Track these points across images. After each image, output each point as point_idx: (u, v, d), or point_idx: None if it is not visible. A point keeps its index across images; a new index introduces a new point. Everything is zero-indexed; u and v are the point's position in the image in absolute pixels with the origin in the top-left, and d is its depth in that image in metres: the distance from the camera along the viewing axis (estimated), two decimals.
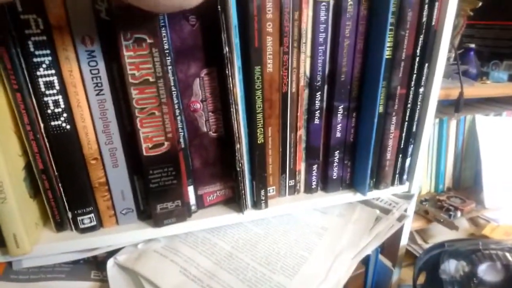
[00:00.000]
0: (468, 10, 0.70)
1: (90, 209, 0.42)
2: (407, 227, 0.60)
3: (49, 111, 0.36)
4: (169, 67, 0.38)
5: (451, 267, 0.61)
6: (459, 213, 0.72)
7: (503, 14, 0.76)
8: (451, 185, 0.83)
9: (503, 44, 0.77)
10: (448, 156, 0.80)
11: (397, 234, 0.59)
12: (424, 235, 0.80)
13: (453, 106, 0.70)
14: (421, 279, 0.65)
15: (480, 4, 0.69)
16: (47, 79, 0.35)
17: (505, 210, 0.77)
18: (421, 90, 0.50)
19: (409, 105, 0.51)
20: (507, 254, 0.58)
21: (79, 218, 0.42)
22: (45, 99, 0.35)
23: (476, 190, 0.80)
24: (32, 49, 0.33)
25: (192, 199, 0.46)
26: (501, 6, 0.76)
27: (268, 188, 0.50)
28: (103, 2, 0.34)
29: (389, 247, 0.62)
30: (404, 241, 0.61)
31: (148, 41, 0.35)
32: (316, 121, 0.49)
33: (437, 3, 0.46)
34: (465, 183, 0.84)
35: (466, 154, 0.82)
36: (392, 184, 0.55)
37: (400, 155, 0.54)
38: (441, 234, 0.78)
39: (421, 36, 0.47)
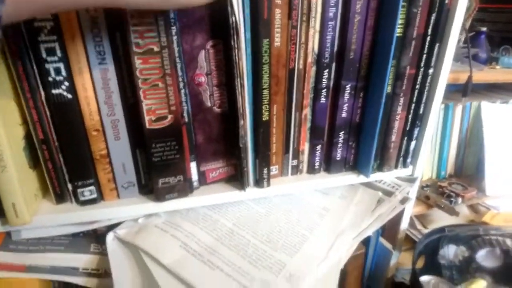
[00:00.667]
0: None
1: (90, 181, 0.41)
2: (408, 211, 0.60)
3: (50, 79, 0.35)
4: (174, 37, 0.37)
5: (450, 252, 0.61)
6: (460, 200, 0.71)
7: None
8: (453, 171, 0.83)
9: None
10: (452, 142, 0.80)
11: (398, 218, 0.59)
12: (424, 220, 0.80)
13: (459, 92, 0.69)
14: (420, 264, 0.65)
15: None
16: (49, 45, 0.34)
17: (506, 198, 0.77)
18: (431, 71, 0.49)
19: (417, 86, 0.50)
20: (507, 240, 0.58)
21: (79, 190, 0.41)
22: (46, 66, 0.34)
23: (478, 178, 0.80)
24: None
25: (194, 175, 0.46)
26: None
27: (271, 167, 0.49)
28: None
29: (389, 230, 0.62)
30: (404, 225, 0.61)
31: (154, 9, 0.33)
32: (323, 100, 0.48)
33: None
34: (467, 170, 0.83)
35: (470, 141, 0.81)
36: (396, 167, 0.55)
37: (406, 138, 0.53)
38: (441, 219, 0.78)
39: (434, 14, 0.46)
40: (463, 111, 0.78)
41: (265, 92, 0.43)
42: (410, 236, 0.76)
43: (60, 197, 0.42)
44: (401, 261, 0.71)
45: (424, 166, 0.79)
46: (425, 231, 0.75)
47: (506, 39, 0.75)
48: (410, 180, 0.56)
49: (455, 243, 0.60)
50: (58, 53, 0.34)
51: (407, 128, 0.52)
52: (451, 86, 0.69)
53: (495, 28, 0.78)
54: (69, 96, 0.36)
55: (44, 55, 0.34)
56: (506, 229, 0.61)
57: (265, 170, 0.48)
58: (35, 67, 0.35)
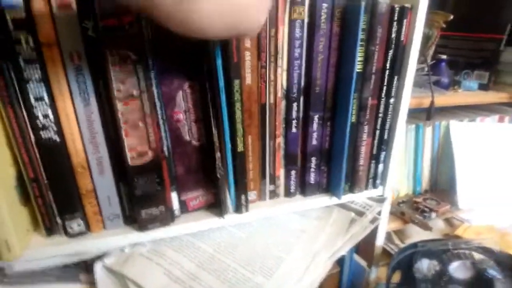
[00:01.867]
0: (441, 22, 0.74)
1: (78, 214, 0.44)
2: (382, 228, 0.64)
3: (39, 124, 0.38)
4: (154, 81, 0.41)
5: (424, 266, 0.64)
6: (433, 214, 0.75)
7: (475, 26, 0.81)
8: (428, 187, 0.87)
9: (474, 55, 0.82)
10: (425, 160, 0.84)
11: (372, 235, 0.62)
12: (401, 235, 0.84)
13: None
14: (397, 278, 0.68)
15: (452, 17, 0.73)
16: (37, 93, 0.37)
17: (477, 211, 0.82)
18: (392, 100, 0.54)
19: (380, 115, 0.54)
20: (474, 253, 0.62)
21: (67, 224, 0.44)
22: (35, 112, 0.38)
23: (451, 192, 0.84)
24: (22, 65, 0.36)
25: (175, 204, 0.49)
26: (473, 19, 0.81)
27: (249, 193, 0.53)
28: (90, 21, 0.37)
29: (364, 247, 0.65)
30: (380, 241, 0.65)
31: (133, 57, 0.37)
32: (294, 129, 0.52)
33: (405, 20, 0.50)
34: (442, 185, 0.88)
35: (442, 158, 0.86)
36: (366, 188, 0.59)
37: (373, 161, 0.57)
38: (417, 234, 0.82)
39: (391, 51, 0.51)
40: (433, 130, 0.83)
41: (239, 125, 0.47)
42: (389, 251, 0.79)
43: (50, 230, 0.45)
44: (380, 276, 0.74)
45: (400, 183, 0.83)
46: (403, 245, 0.78)
47: (468, 64, 0.81)
48: (380, 200, 0.60)
49: (428, 257, 0.64)
50: (46, 100, 0.38)
51: (374, 153, 0.56)
52: (419, 109, 0.74)
53: (458, 53, 0.84)
54: (57, 138, 0.40)
55: (33, 102, 0.37)
56: (474, 242, 0.65)
57: (243, 197, 0.51)
58: (24, 113, 0.38)
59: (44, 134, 0.39)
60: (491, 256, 0.63)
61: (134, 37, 0.36)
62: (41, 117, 0.38)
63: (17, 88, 0.37)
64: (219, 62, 0.42)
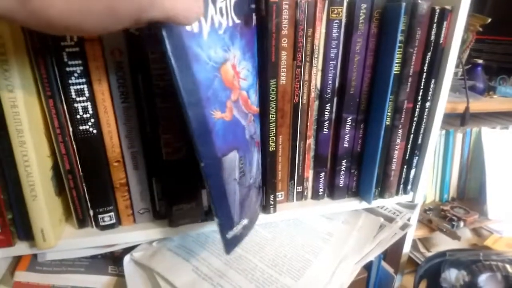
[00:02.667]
0: (478, 26, 0.72)
1: (110, 208, 0.45)
2: (410, 235, 0.62)
3: (78, 116, 0.39)
4: None
5: (452, 276, 0.63)
6: (462, 224, 0.73)
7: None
8: (456, 195, 0.84)
9: (511, 59, 0.79)
10: (454, 167, 0.82)
11: (400, 242, 0.61)
12: (427, 243, 0.81)
13: (460, 117, 0.72)
14: (424, 287, 0.67)
15: (489, 20, 0.71)
16: (78, 87, 0.38)
17: (508, 222, 0.79)
18: (428, 104, 0.52)
19: (415, 119, 0.53)
20: (507, 266, 0.59)
21: (100, 216, 0.45)
22: (75, 105, 0.38)
23: (480, 201, 0.82)
24: (65, 59, 0.36)
25: (205, 201, 0.49)
26: (510, 22, 0.78)
27: (277, 193, 0.52)
28: None
29: (391, 254, 0.63)
30: (406, 249, 0.63)
31: None
32: (325, 131, 0.51)
33: (445, 23, 0.48)
34: (470, 194, 0.85)
35: (472, 165, 0.83)
36: (397, 193, 0.57)
37: (405, 166, 0.56)
38: (444, 243, 0.79)
39: (429, 53, 0.49)
40: (463, 136, 0.80)
41: (272, 125, 0.47)
42: (414, 259, 0.77)
43: (82, 222, 0.45)
44: (404, 284, 0.73)
45: (427, 190, 0.81)
46: (428, 254, 0.76)
47: (503, 69, 0.78)
48: (411, 206, 0.58)
49: (456, 267, 0.62)
50: (86, 93, 0.38)
51: (407, 157, 0.55)
52: (449, 114, 0.72)
53: (493, 58, 0.81)
54: (94, 131, 0.40)
55: (74, 95, 0.38)
56: (507, 254, 0.63)
57: (271, 197, 0.51)
58: (65, 106, 0.39)
59: (82, 127, 0.40)
60: None
61: None
62: (80, 111, 0.39)
63: (59, 82, 0.37)
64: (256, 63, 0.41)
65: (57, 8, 0.20)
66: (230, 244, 0.41)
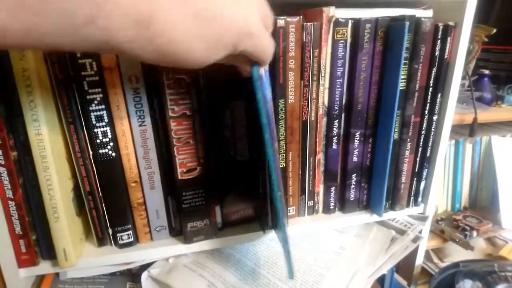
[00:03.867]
0: (483, 37, 0.72)
1: (128, 226, 0.46)
2: (422, 247, 0.62)
3: (97, 141, 0.41)
4: (204, 101, 0.43)
5: (467, 287, 0.62)
6: (475, 233, 0.73)
7: None
8: (468, 204, 0.84)
9: None
10: (465, 176, 0.82)
11: (413, 254, 0.61)
12: (440, 254, 0.81)
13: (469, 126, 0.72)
14: None
15: (495, 30, 0.71)
16: (98, 113, 0.40)
17: None
18: (435, 117, 0.53)
19: (423, 132, 0.54)
20: None
21: (118, 235, 0.46)
22: (95, 130, 0.40)
23: (493, 210, 0.81)
24: (86, 88, 0.39)
25: (218, 218, 0.50)
26: None
27: (288, 208, 0.54)
28: None
29: (404, 266, 0.64)
30: (419, 260, 0.63)
31: (187, 80, 0.40)
32: (334, 146, 0.52)
33: (449, 38, 0.50)
34: (482, 203, 0.85)
35: (483, 174, 0.83)
36: (407, 205, 0.58)
37: (415, 178, 0.56)
38: (457, 253, 0.79)
39: (434, 68, 0.50)
40: (474, 145, 0.80)
41: (281, 142, 0.48)
42: (427, 270, 0.77)
43: (101, 241, 0.47)
44: None
45: (439, 200, 0.81)
46: (442, 264, 0.76)
47: (511, 78, 0.79)
48: (422, 218, 0.59)
49: (471, 279, 0.61)
50: (106, 119, 0.40)
51: (416, 170, 0.56)
52: (461, 124, 0.72)
53: (500, 67, 0.81)
54: (113, 154, 0.42)
55: (93, 121, 0.40)
56: None
57: None
58: (85, 132, 0.41)
59: (101, 151, 0.42)
60: None
61: None
62: (100, 135, 0.41)
63: (79, 109, 0.40)
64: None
65: (177, 31, 0.20)
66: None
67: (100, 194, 0.44)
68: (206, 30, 0.22)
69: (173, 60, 0.22)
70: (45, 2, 0.16)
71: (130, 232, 0.47)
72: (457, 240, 0.71)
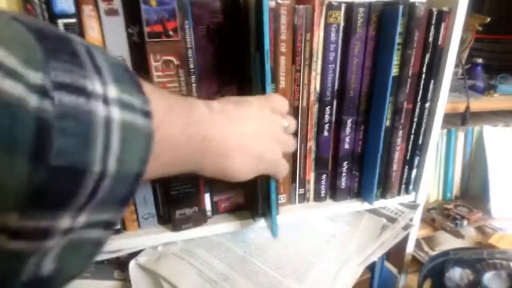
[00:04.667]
0: (477, 25, 0.72)
1: None
2: (413, 235, 0.62)
3: None
4: (193, 85, 0.41)
5: (456, 274, 0.63)
6: (465, 222, 0.73)
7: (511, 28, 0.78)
8: (459, 193, 0.85)
9: (511, 57, 0.79)
10: (456, 166, 0.82)
11: (403, 242, 0.61)
12: (431, 242, 0.82)
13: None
14: (428, 286, 0.67)
15: (489, 19, 0.71)
16: None
17: None
18: (427, 105, 0.53)
19: (415, 119, 0.53)
20: (511, 264, 0.59)
21: None
22: None
23: (484, 199, 0.82)
24: None
25: (208, 205, 0.50)
26: (509, 21, 0.78)
27: (279, 196, 0.53)
28: (135, 26, 0.38)
29: (395, 254, 0.64)
30: (410, 248, 0.63)
31: (175, 62, 0.38)
32: (326, 133, 0.51)
33: (443, 24, 0.49)
34: (473, 192, 0.85)
35: (474, 164, 0.84)
36: (399, 194, 0.58)
37: (406, 166, 0.56)
38: (448, 242, 0.80)
39: (427, 54, 0.50)
40: (465, 134, 0.80)
41: None
42: (418, 258, 0.78)
43: None
44: (409, 283, 0.73)
45: (430, 189, 0.81)
46: (432, 253, 0.77)
47: (503, 67, 0.79)
48: (413, 206, 0.58)
49: (461, 266, 0.62)
50: None
51: (408, 158, 0.55)
52: (451, 113, 0.72)
53: (493, 57, 0.81)
54: None
55: None
56: (511, 252, 0.63)
57: None
58: None
59: None
60: None
61: (178, 43, 0.37)
62: None
63: None
64: (257, 67, 0.42)
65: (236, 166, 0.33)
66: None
67: None
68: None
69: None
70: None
71: None
72: (448, 228, 0.71)
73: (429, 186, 0.81)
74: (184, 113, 0.25)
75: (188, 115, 0.26)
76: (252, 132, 0.32)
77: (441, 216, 0.75)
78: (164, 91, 0.26)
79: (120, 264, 0.51)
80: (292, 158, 0.51)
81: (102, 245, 0.21)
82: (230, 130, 0.30)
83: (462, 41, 0.71)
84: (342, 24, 0.46)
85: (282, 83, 0.46)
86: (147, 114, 0.19)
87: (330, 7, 0.44)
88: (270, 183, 0.42)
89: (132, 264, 0.48)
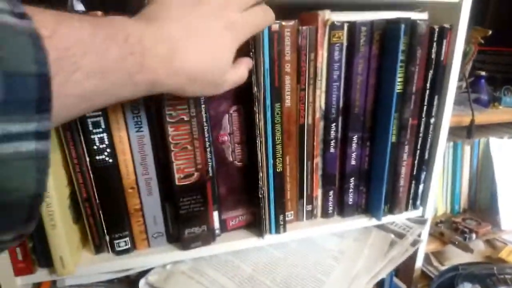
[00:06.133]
0: (479, 38, 0.73)
1: (125, 233, 0.46)
2: (421, 250, 0.62)
3: (95, 147, 0.41)
4: (202, 106, 0.42)
5: None
6: (474, 236, 0.73)
7: None
8: (467, 206, 0.84)
9: None
10: (463, 178, 0.82)
11: (412, 257, 0.61)
12: (440, 257, 0.81)
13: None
14: None
15: (490, 32, 0.72)
16: (95, 119, 0.40)
17: None
18: (432, 120, 0.53)
19: (421, 134, 0.54)
20: None
21: (115, 242, 0.46)
22: (92, 136, 0.40)
23: (492, 212, 0.81)
24: None
25: (216, 224, 0.50)
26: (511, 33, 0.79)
27: (287, 213, 0.53)
28: None
29: (404, 269, 0.63)
30: (418, 264, 0.63)
31: None
32: (332, 150, 0.52)
33: (445, 40, 0.50)
34: (482, 205, 0.85)
35: (482, 176, 0.83)
36: (406, 209, 0.58)
37: (413, 182, 0.56)
38: (457, 256, 0.79)
39: (431, 71, 0.50)
40: (472, 147, 0.80)
41: (278, 146, 0.48)
42: (427, 273, 0.77)
43: (98, 248, 0.47)
44: None
45: (438, 202, 0.81)
46: (442, 267, 0.76)
47: (507, 80, 0.79)
48: (421, 221, 0.58)
49: (470, 281, 0.61)
50: (102, 125, 0.40)
51: (414, 173, 0.56)
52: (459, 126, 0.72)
53: (496, 69, 0.82)
54: (110, 160, 0.42)
55: (90, 128, 0.40)
56: None
57: (281, 217, 0.51)
58: (82, 138, 0.40)
59: (98, 157, 0.41)
60: None
61: None
62: (97, 142, 0.41)
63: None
64: (267, 86, 0.43)
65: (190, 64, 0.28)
66: None
67: (97, 201, 0.44)
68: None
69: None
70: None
71: (127, 239, 0.46)
72: (456, 242, 0.71)
73: (437, 199, 0.80)
74: (89, 21, 0.23)
75: (97, 22, 0.23)
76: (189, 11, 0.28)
77: (449, 230, 0.74)
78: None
79: (130, 283, 0.51)
80: (299, 174, 0.52)
81: (46, 158, 0.19)
82: (161, 19, 0.27)
83: (465, 54, 0.72)
84: (345, 43, 0.47)
85: (288, 102, 0.46)
86: (20, 16, 0.18)
87: (333, 27, 0.46)
88: None
89: (142, 282, 0.49)
